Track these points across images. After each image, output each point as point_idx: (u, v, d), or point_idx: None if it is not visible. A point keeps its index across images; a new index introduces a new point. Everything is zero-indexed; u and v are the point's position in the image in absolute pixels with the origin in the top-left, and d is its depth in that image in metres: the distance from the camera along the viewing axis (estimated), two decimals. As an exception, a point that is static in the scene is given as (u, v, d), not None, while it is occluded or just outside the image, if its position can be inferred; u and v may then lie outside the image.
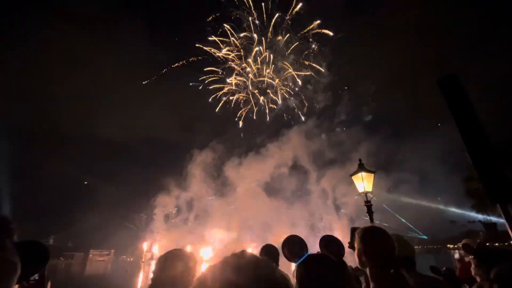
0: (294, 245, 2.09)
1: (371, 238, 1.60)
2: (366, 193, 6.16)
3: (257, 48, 63.26)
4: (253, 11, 61.35)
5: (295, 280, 1.22)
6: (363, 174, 6.30)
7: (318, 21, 61.23)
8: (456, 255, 5.18)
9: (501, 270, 1.24)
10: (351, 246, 2.15)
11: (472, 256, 3.25)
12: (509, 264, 1.24)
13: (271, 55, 63.46)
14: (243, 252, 0.65)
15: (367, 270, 1.61)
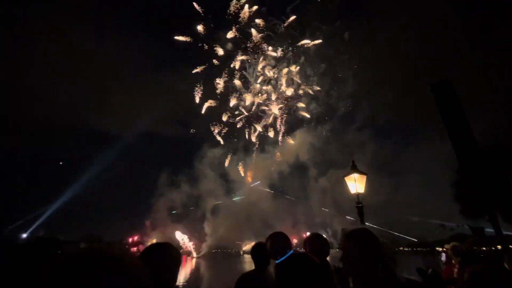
0: (276, 243, 2.05)
1: (358, 240, 1.61)
2: (358, 195, 6.22)
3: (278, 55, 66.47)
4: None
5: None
6: (355, 175, 6.36)
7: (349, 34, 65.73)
8: (443, 258, 5.29)
9: (475, 271, 1.29)
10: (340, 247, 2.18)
11: (459, 258, 3.33)
12: (485, 266, 1.29)
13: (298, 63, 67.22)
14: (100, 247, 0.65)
15: (354, 271, 1.63)
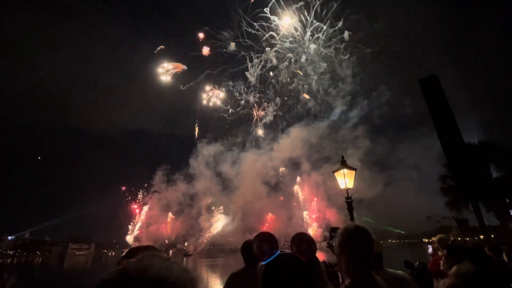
0: (263, 244, 2.04)
1: (353, 238, 1.57)
2: (347, 190, 6.27)
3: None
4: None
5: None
6: (345, 171, 6.40)
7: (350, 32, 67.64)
8: (430, 250, 5.41)
9: (461, 267, 1.29)
10: (330, 245, 2.15)
11: (445, 250, 3.40)
12: (469, 263, 1.29)
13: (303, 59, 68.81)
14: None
15: (344, 268, 1.60)
